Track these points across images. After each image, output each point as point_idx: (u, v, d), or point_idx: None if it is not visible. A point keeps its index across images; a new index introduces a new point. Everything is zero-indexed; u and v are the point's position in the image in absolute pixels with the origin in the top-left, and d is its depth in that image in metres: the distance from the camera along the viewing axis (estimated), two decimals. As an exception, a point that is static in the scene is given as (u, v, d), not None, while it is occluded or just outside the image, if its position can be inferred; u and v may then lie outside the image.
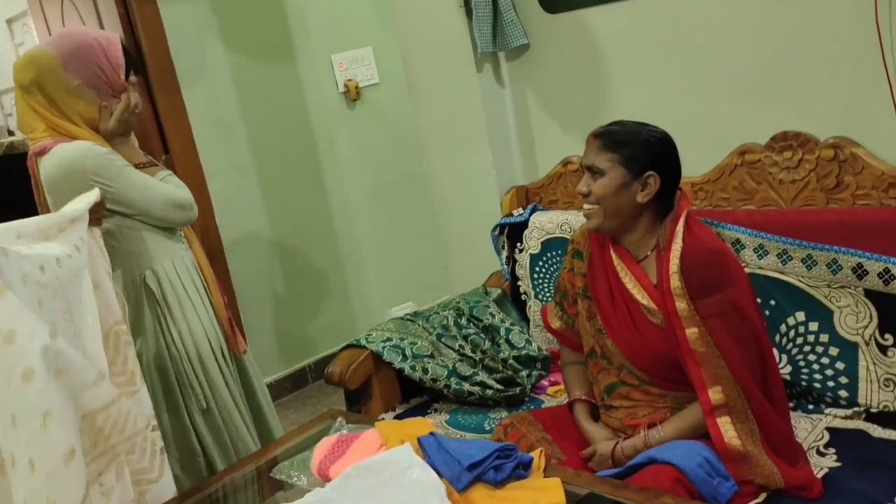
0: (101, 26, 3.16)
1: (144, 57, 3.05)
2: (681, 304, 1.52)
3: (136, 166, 1.89)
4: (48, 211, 1.88)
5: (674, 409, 1.61)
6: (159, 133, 3.14)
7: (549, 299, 2.32)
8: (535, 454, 1.42)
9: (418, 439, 1.44)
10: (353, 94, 3.61)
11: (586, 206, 1.64)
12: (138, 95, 1.92)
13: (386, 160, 3.75)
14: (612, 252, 1.66)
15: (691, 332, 1.52)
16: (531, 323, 2.38)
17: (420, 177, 3.33)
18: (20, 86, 1.82)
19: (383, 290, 3.84)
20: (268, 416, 2.15)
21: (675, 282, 1.53)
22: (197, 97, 3.17)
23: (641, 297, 1.60)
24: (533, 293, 2.37)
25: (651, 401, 1.64)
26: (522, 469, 1.38)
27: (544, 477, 1.38)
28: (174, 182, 1.93)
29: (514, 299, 2.45)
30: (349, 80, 3.60)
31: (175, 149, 3.13)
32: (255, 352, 3.39)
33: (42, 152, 1.81)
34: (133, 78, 1.91)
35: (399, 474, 1.34)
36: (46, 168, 1.81)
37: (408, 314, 2.33)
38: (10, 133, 4.21)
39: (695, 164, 2.00)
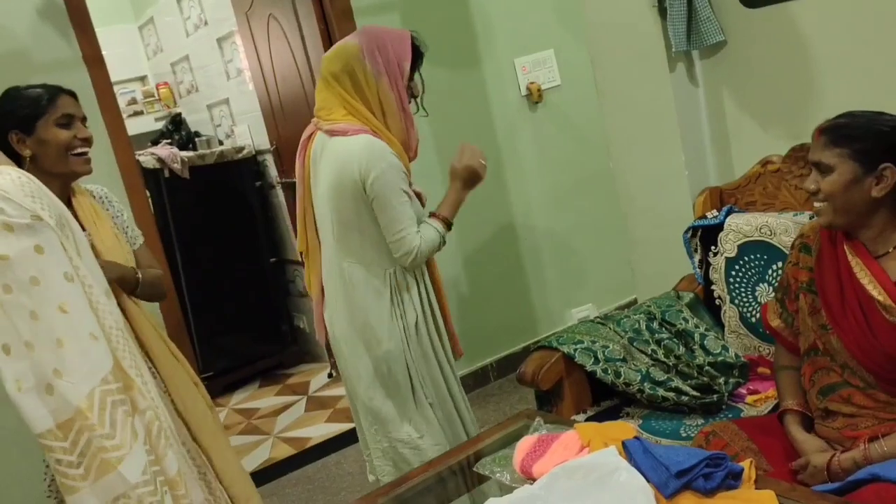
0: (303, 42, 3.40)
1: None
2: None
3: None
4: (304, 184, 2.17)
5: (899, 422, 1.51)
6: (354, 140, 3.33)
7: (746, 304, 2.25)
8: (745, 464, 1.39)
9: (623, 443, 1.45)
10: (535, 97, 3.65)
11: (816, 204, 1.57)
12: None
13: (567, 161, 3.75)
14: (845, 247, 1.58)
15: None
16: (726, 329, 2.31)
17: (602, 178, 3.31)
18: (330, 74, 2.05)
19: (563, 292, 3.85)
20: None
21: None
22: (388, 105, 3.32)
23: (878, 293, 1.51)
24: (728, 298, 2.30)
25: (875, 409, 1.54)
26: (732, 479, 1.36)
27: (756, 489, 1.35)
28: (426, 234, 2.07)
29: (706, 304, 2.38)
30: (531, 82, 3.64)
31: (368, 155, 3.30)
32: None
33: (342, 133, 2.02)
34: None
35: (606, 476, 1.35)
36: (343, 146, 2.01)
37: (597, 317, 2.33)
38: (220, 143, 4.62)
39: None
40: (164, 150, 4.07)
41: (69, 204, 1.89)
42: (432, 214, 2.14)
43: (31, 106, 1.79)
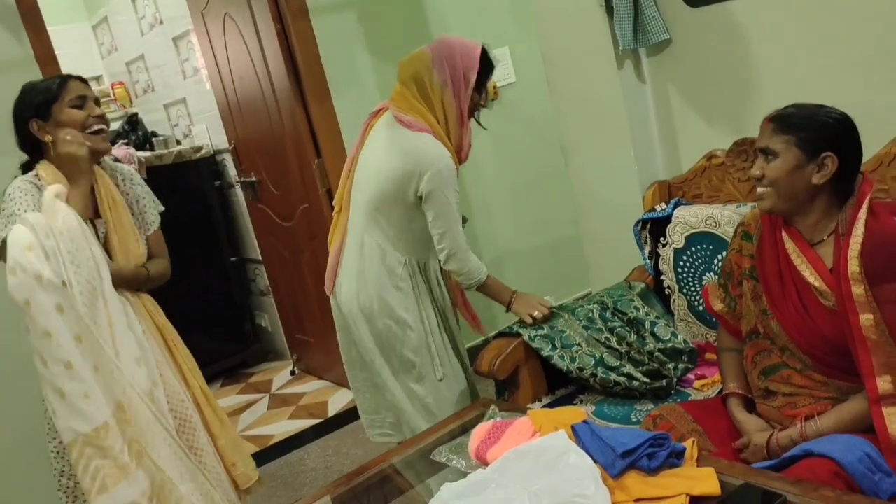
0: (260, 41, 3.41)
1: (299, 68, 3.27)
2: (857, 290, 1.50)
3: None
4: (358, 149, 2.27)
5: (835, 401, 1.59)
6: (312, 139, 3.36)
7: (694, 293, 2.33)
8: (687, 444, 1.46)
9: (572, 427, 1.51)
10: (490, 94, 3.69)
11: (760, 189, 1.64)
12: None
13: (523, 158, 3.81)
14: (783, 235, 1.65)
15: (865, 318, 1.49)
16: (675, 317, 2.39)
17: (557, 174, 3.37)
18: (401, 79, 2.19)
19: (522, 286, 3.87)
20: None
21: (853, 266, 1.51)
22: (346, 104, 3.36)
23: (814, 279, 1.59)
24: (677, 287, 2.38)
25: (812, 388, 1.62)
26: (675, 458, 1.42)
27: (697, 467, 1.42)
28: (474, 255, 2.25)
29: (657, 294, 2.46)
30: (487, 80, 3.69)
31: (326, 153, 3.33)
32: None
33: (408, 125, 2.14)
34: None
35: (556, 459, 1.41)
36: (405, 139, 2.13)
37: (553, 307, 2.39)
38: (178, 142, 4.60)
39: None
40: (121, 150, 4.04)
41: (91, 191, 1.95)
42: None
43: (45, 93, 1.90)
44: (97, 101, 1.98)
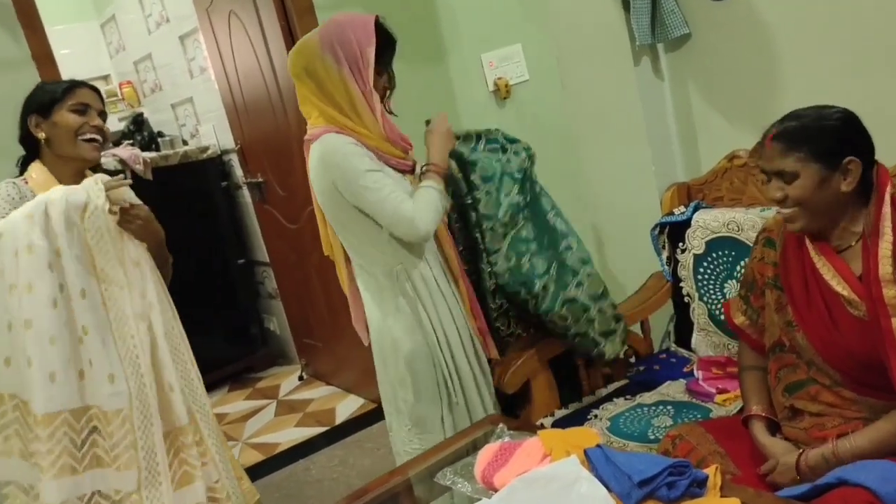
0: (265, 38, 3.32)
1: (304, 66, 3.17)
2: (889, 292, 1.39)
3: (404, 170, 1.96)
4: (312, 189, 2.01)
5: (866, 421, 1.48)
6: (318, 139, 3.26)
7: (715, 301, 2.21)
8: (709, 471, 1.35)
9: (585, 451, 1.41)
10: (503, 93, 3.59)
11: (785, 211, 1.51)
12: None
13: (537, 157, 3.70)
14: (808, 243, 1.54)
15: None
16: (695, 326, 2.27)
17: (571, 174, 3.27)
18: (293, 75, 1.92)
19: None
20: None
21: (885, 267, 1.40)
22: (353, 103, 3.25)
23: (842, 287, 1.47)
24: (697, 295, 2.26)
25: (842, 407, 1.51)
26: (697, 487, 1.31)
27: (721, 496, 1.31)
28: (420, 197, 1.89)
29: (675, 301, 2.35)
30: (499, 78, 3.57)
31: (333, 153, 3.23)
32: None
33: (311, 139, 1.90)
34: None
35: (566, 487, 1.31)
36: (312, 155, 1.90)
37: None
38: (185, 143, 4.52)
39: (877, 152, 1.83)
40: (126, 151, 3.97)
41: None
42: (423, 170, 1.99)
43: (51, 93, 1.90)
44: (102, 115, 1.93)
